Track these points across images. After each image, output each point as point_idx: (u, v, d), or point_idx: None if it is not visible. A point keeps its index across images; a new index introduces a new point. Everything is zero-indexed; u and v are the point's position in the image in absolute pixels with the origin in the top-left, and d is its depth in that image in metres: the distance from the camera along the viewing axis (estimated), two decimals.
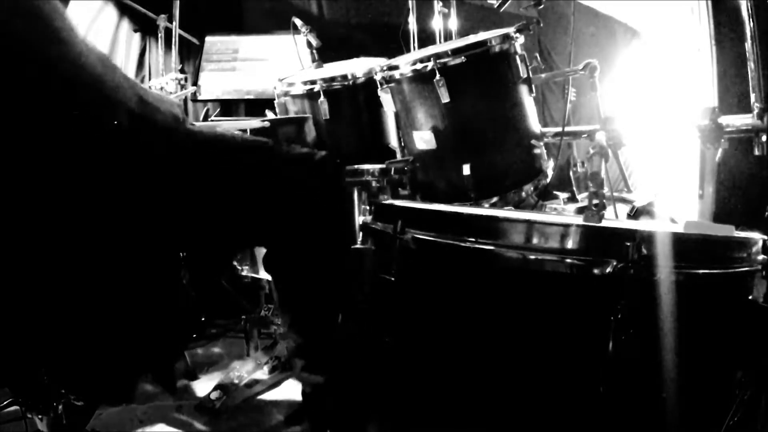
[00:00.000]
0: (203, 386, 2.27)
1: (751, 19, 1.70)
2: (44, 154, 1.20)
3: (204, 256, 1.59)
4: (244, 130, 1.96)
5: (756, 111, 1.67)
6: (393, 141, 2.38)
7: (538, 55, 2.16)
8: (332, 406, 1.43)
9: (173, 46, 3.54)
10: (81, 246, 1.25)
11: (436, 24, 3.04)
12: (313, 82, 2.30)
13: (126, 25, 3.88)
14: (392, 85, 2.09)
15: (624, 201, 2.02)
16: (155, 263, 1.35)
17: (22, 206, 1.20)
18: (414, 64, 2.00)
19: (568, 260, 1.13)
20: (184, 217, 1.35)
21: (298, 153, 1.48)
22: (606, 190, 1.58)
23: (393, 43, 3.12)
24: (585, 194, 2.05)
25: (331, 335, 1.43)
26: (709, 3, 2.49)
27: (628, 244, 1.08)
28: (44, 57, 1.17)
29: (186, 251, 1.50)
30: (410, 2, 3.10)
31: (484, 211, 1.79)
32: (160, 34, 3.55)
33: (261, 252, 1.97)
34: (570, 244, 1.13)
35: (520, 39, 2.03)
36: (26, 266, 1.23)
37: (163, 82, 3.45)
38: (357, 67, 2.37)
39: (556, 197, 2.20)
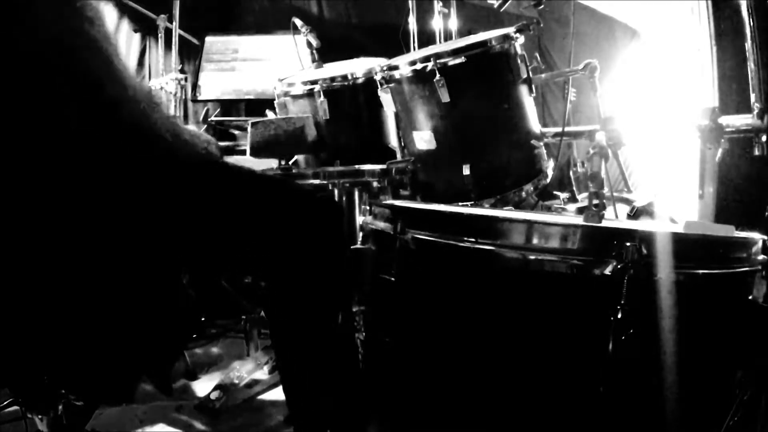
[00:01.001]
0: (203, 386, 2.27)
1: (751, 19, 1.69)
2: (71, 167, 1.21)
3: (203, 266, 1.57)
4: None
5: (756, 111, 1.66)
6: (393, 141, 2.38)
7: (538, 55, 2.16)
8: (332, 406, 1.43)
9: (173, 46, 3.54)
10: (82, 247, 1.25)
11: (436, 24, 3.04)
12: (313, 82, 2.30)
13: (126, 25, 3.89)
14: (392, 85, 2.08)
15: (624, 201, 2.02)
16: (155, 264, 1.35)
17: (26, 208, 1.20)
18: (414, 64, 2.00)
19: (569, 260, 1.13)
20: (188, 233, 1.36)
21: (304, 192, 1.45)
22: (606, 190, 1.57)
23: (393, 43, 3.12)
24: (585, 194, 2.05)
25: (315, 382, 1.43)
26: (709, 3, 2.49)
27: (628, 244, 1.08)
28: (103, 95, 1.19)
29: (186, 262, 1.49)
30: (410, 2, 3.10)
31: (484, 211, 1.79)
32: (160, 34, 3.55)
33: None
34: (570, 245, 1.13)
35: (520, 39, 2.02)
36: (27, 266, 1.24)
37: (163, 82, 3.45)
38: (357, 67, 2.37)
39: (556, 197, 2.20)
